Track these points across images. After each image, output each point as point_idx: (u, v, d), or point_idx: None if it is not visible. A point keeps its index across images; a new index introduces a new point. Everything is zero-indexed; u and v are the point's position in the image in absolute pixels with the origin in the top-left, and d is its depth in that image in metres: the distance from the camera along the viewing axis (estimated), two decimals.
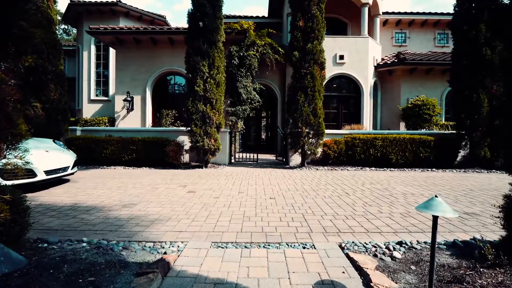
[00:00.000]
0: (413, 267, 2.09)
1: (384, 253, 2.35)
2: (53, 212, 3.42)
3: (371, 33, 13.22)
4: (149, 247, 2.44)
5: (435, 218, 1.60)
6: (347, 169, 7.64)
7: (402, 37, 15.63)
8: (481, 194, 4.71)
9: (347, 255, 2.30)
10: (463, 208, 3.82)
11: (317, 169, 7.59)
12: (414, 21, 15.09)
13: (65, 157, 5.21)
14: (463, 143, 8.33)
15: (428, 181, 5.94)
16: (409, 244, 2.51)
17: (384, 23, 14.98)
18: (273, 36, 11.84)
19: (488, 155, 7.95)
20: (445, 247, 2.44)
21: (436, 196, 1.60)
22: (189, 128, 7.31)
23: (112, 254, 2.26)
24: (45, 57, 7.05)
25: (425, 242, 2.56)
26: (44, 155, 4.84)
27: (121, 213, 3.42)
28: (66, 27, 33.39)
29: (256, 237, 2.69)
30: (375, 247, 2.48)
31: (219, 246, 2.46)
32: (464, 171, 7.56)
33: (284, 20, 13.42)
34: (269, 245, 2.50)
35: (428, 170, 7.64)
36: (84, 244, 2.44)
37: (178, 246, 2.45)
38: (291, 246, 2.49)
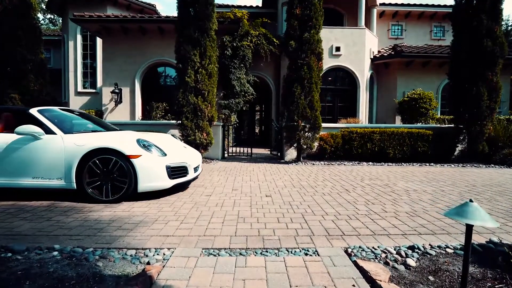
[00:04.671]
0: (431, 278, 1.84)
1: (396, 260, 2.10)
2: (26, 214, 3.07)
3: (367, 24, 12.93)
4: (131, 255, 2.13)
5: (469, 228, 1.34)
6: (344, 164, 7.42)
7: (398, 29, 15.40)
8: (485, 190, 4.52)
9: (356, 263, 2.03)
10: None
11: (313, 164, 7.35)
12: (410, 13, 14.86)
13: (196, 154, 4.67)
14: (461, 137, 8.18)
15: (428, 176, 5.76)
16: (422, 249, 2.26)
17: (381, 15, 14.70)
18: (267, 26, 11.44)
19: (487, 150, 7.82)
20: (462, 252, 2.20)
21: (471, 201, 1.34)
22: (180, 122, 6.95)
23: (86, 266, 1.95)
24: (23, 44, 6.55)
25: (439, 247, 2.32)
26: (186, 151, 4.41)
27: (102, 214, 3.10)
28: (52, 16, 32.17)
29: (252, 241, 2.41)
30: (385, 252, 2.23)
31: (211, 254, 2.18)
32: (463, 166, 7.42)
33: (279, 10, 13.00)
34: (267, 252, 2.23)
35: (426, 165, 7.47)
36: (55, 253, 2.11)
37: (164, 254, 2.15)
38: (291, 253, 2.22)
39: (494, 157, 7.81)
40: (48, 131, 3.60)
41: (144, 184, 3.57)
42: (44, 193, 3.85)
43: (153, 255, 2.13)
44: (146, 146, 3.71)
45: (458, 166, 7.43)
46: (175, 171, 3.87)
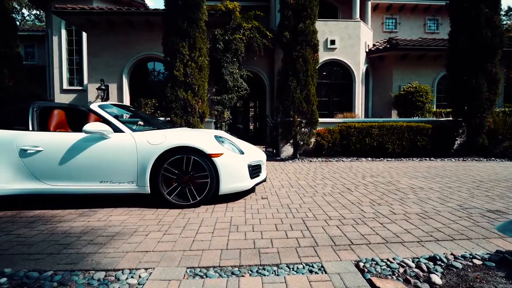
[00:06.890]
0: None
1: (417, 276, 1.77)
2: None
3: (362, 18, 12.63)
4: (98, 280, 1.75)
5: None
6: (342, 160, 7.12)
7: (392, 23, 15.17)
8: (494, 186, 4.25)
9: (371, 283, 1.69)
10: (484, 204, 3.32)
11: (311, 161, 7.02)
12: (405, 6, 14.63)
13: (261, 151, 4.17)
14: (460, 131, 7.95)
15: (431, 172, 5.48)
16: (445, 260, 1.93)
17: (375, 8, 14.43)
18: (260, 19, 11.01)
19: (487, 143, 7.61)
20: (493, 264, 1.88)
21: None
22: (169, 118, 6.54)
23: None
24: None
25: (463, 257, 1.99)
26: (252, 148, 4.00)
27: (74, 224, 2.70)
28: (38, 12, 31.16)
29: (247, 256, 2.05)
30: (403, 266, 1.89)
31: (197, 274, 1.81)
32: (463, 160, 7.19)
33: (272, 3, 12.60)
34: (264, 269, 1.87)
35: (426, 159, 7.22)
36: (3, 280, 1.72)
37: (140, 277, 1.78)
38: (293, 270, 1.87)
39: (495, 150, 7.61)
40: (116, 129, 3.20)
41: (227, 185, 3.24)
42: (19, 200, 3.43)
43: (126, 278, 1.76)
44: (223, 143, 3.38)
45: (458, 160, 7.20)
46: (254, 170, 3.54)
